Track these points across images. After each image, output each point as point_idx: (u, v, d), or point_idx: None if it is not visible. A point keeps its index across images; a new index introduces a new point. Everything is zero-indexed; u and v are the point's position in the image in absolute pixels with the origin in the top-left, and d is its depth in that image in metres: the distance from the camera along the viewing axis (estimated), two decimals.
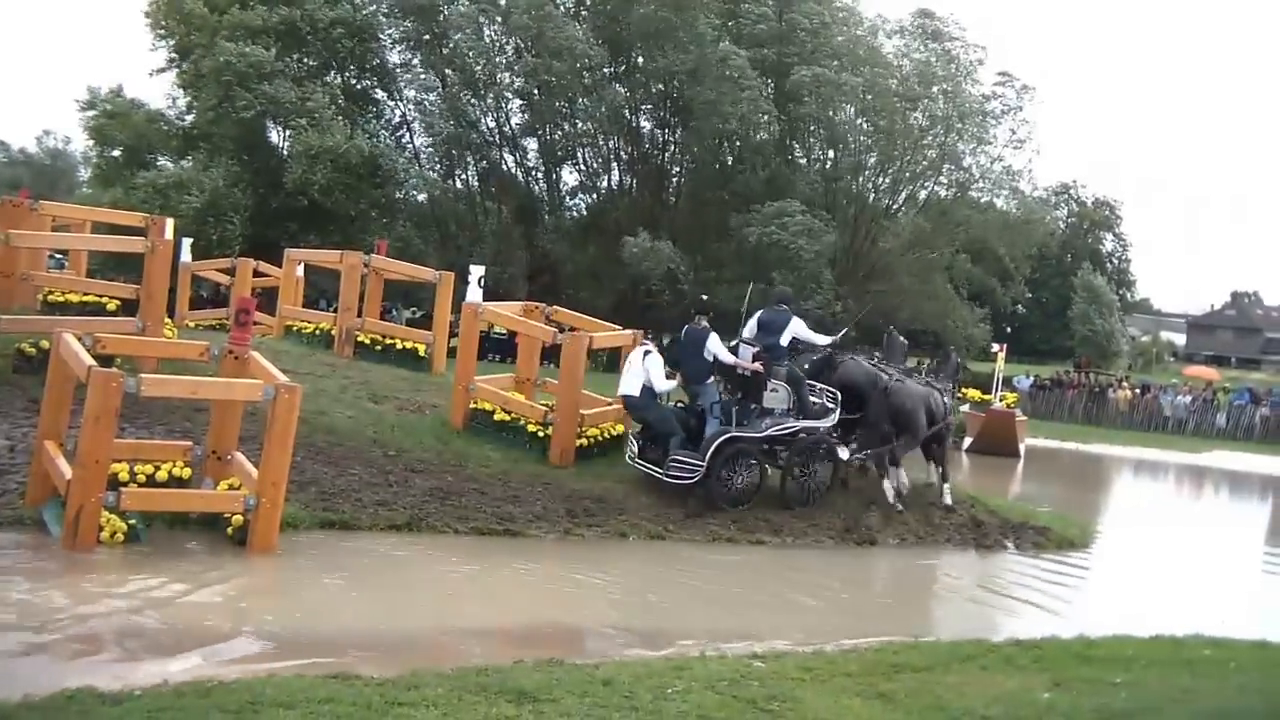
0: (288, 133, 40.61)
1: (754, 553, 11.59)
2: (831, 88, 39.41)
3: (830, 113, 41.33)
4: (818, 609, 9.88)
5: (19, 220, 12.98)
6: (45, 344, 10.60)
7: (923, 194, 44.24)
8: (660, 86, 42.86)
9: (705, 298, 18.11)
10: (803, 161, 44.29)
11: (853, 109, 41.72)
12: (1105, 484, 26.91)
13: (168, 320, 13.38)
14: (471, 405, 13.18)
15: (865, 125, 42.13)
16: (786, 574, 10.90)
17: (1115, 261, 69.46)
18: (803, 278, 37.61)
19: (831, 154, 43.86)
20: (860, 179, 43.29)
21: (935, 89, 41.25)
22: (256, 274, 20.20)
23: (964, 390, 30.38)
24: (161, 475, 9.13)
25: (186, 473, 9.33)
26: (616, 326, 15.22)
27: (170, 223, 13.26)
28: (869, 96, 40.31)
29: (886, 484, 13.86)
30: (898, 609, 10.54)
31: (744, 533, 11.94)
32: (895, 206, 44.12)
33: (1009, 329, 54.16)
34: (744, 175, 41.92)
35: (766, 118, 40.00)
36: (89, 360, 8.33)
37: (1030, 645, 8.38)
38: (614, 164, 45.63)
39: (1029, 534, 14.03)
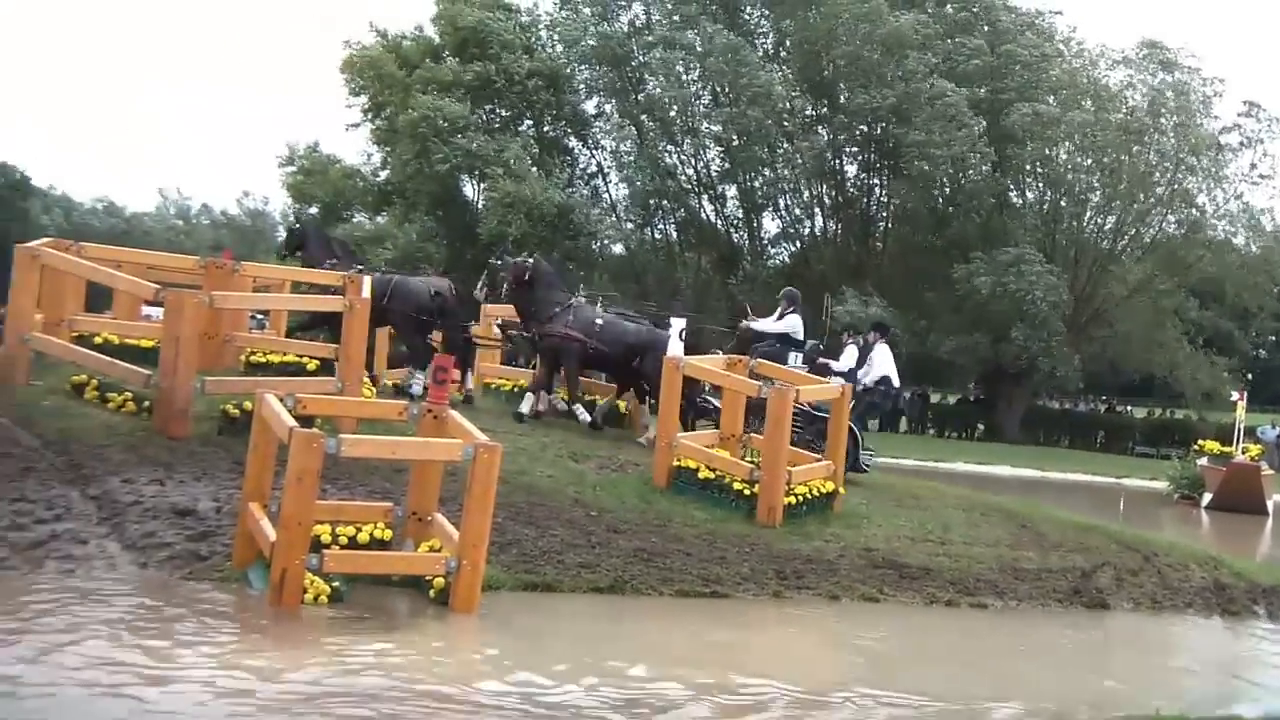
0: (482, 184, 41.66)
1: (977, 617, 11.30)
2: (1052, 124, 38.59)
3: (1049, 151, 40.45)
4: (1049, 678, 9.57)
5: (222, 282, 13.50)
6: (248, 405, 10.92)
7: (1149, 234, 42.89)
8: (864, 128, 42.61)
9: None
10: (1018, 203, 43.42)
11: (1073, 146, 40.76)
12: None
13: (366, 379, 13.77)
14: (675, 463, 13.20)
15: (1087, 163, 41.09)
16: (1013, 639, 10.61)
17: None
18: (1035, 328, 36.86)
19: (1050, 195, 42.91)
20: (1082, 220, 42.24)
21: (1165, 121, 39.98)
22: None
23: (1201, 442, 29.28)
24: (363, 537, 9.33)
25: (388, 534, 9.51)
26: (823, 379, 15.12)
27: (368, 281, 13.69)
28: (1093, 133, 39.33)
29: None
30: (1136, 678, 10.13)
31: (964, 595, 11.67)
32: (1119, 248, 42.87)
33: (1249, 375, 51.95)
34: (958, 220, 41.26)
35: (979, 158, 39.36)
36: (290, 421, 8.55)
37: None
38: (817, 210, 45.51)
39: None
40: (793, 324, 16.19)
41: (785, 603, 10.71)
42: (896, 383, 16.65)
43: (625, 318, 16.12)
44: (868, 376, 16.16)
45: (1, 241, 58.25)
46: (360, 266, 15.52)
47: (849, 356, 16.79)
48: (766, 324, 16.50)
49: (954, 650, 10.08)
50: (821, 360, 16.33)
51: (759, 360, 14.65)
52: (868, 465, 16.20)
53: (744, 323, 17.12)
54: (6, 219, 72.04)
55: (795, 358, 15.68)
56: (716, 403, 15.28)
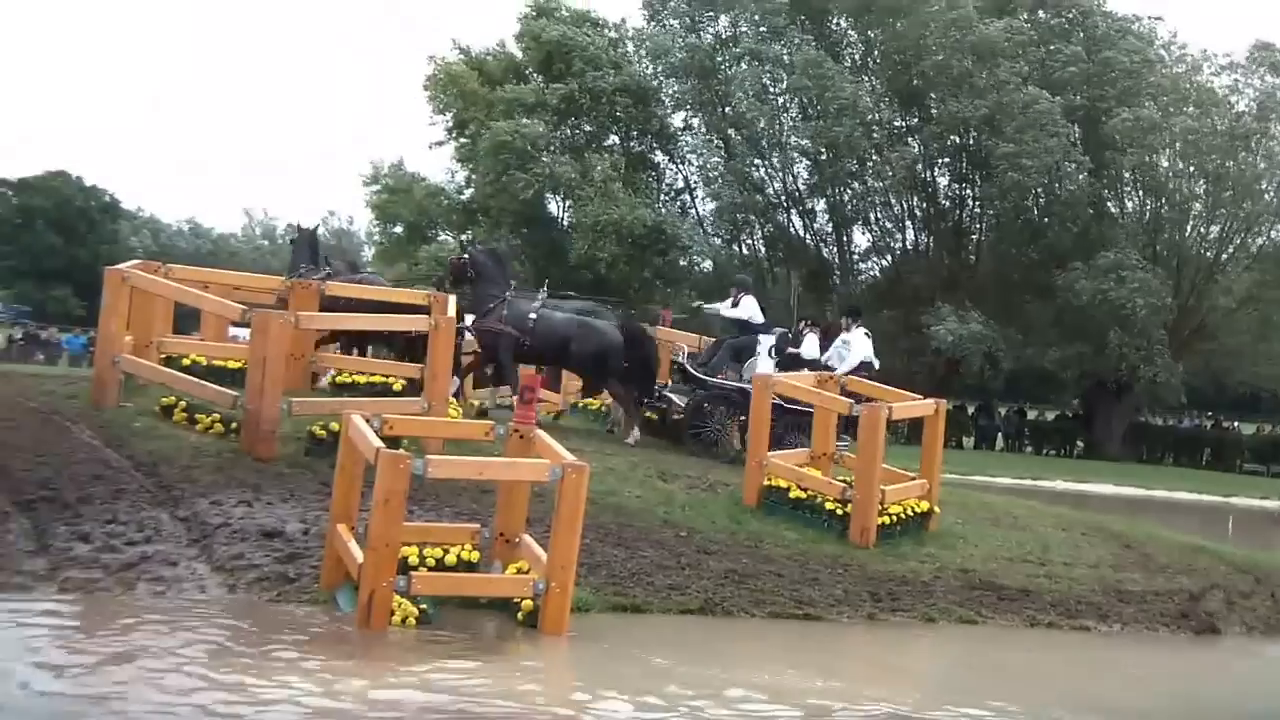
0: (568, 203, 41.87)
1: (1080, 640, 11.14)
2: (1153, 131, 38.02)
3: (1149, 158, 39.84)
4: (1160, 710, 9.40)
5: (309, 303, 13.68)
6: (335, 426, 11.07)
7: (1257, 243, 42.06)
8: (955, 138, 42.28)
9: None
10: (1116, 212, 42.81)
11: (1175, 153, 40.12)
12: None
13: (452, 400, 13.87)
14: (765, 482, 13.15)
15: (1190, 170, 40.42)
16: (1122, 665, 10.43)
17: None
18: (1134, 337, 36.32)
19: (1150, 203, 42.26)
20: (1184, 229, 41.55)
21: (1274, 126, 39.20)
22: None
23: None
24: (451, 559, 9.38)
25: (475, 556, 9.56)
26: (916, 396, 14.98)
27: (453, 300, 13.80)
28: (1196, 139, 38.69)
29: None
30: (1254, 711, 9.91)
31: (1066, 617, 11.50)
32: (1224, 258, 42.09)
33: None
34: (1053, 231, 40.78)
35: (1075, 166, 38.87)
36: (377, 442, 8.61)
37: None
38: (908, 223, 45.21)
39: None
40: (749, 308, 16.49)
41: (880, 625, 10.63)
42: (876, 367, 16.48)
43: (594, 314, 16.27)
44: (845, 363, 16.07)
45: (91, 264, 59.73)
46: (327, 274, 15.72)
47: (810, 345, 16.77)
48: (722, 307, 17.08)
49: (1063, 674, 9.95)
50: (791, 351, 16.52)
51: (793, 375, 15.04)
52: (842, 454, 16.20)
53: (703, 306, 18.39)
54: (96, 242, 73.71)
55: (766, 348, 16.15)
56: (676, 399, 16.23)
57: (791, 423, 14.70)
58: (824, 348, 16.60)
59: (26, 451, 10.74)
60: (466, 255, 16.25)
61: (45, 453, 10.77)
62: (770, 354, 15.90)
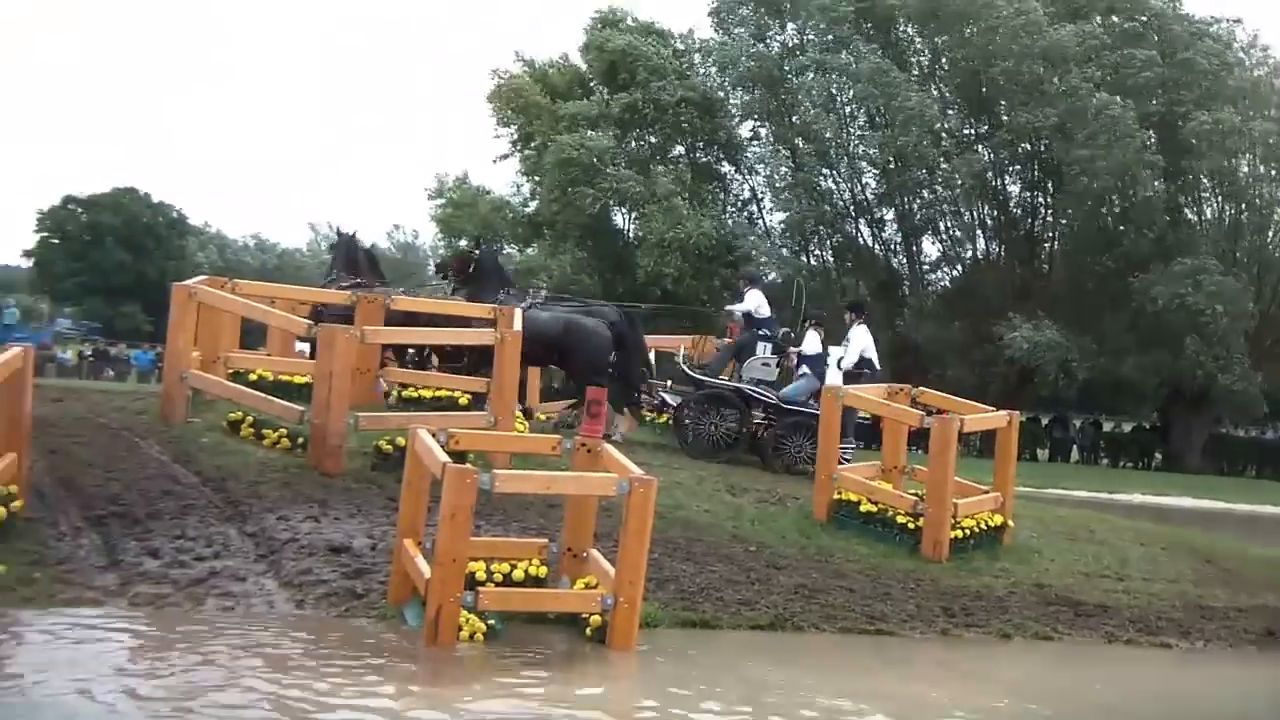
0: (634, 215, 41.95)
1: (1161, 658, 10.98)
2: (1233, 135, 37.50)
3: (1228, 163, 39.29)
4: None
5: (375, 316, 13.79)
6: (401, 441, 11.13)
7: None
8: (1027, 146, 41.92)
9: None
10: (1194, 218, 42.24)
11: (1256, 158, 39.56)
12: None
13: (519, 413, 13.92)
14: (835, 496, 13.10)
15: (1272, 174, 39.86)
16: (1216, 682, 10.26)
17: None
18: (1213, 345, 35.82)
19: (1230, 209, 41.68)
20: (1265, 235, 40.95)
21: None
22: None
23: None
24: (518, 574, 9.38)
25: (543, 571, 9.56)
26: (989, 408, 14.86)
27: (518, 313, 13.86)
28: (1277, 142, 38.16)
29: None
30: None
31: (1146, 634, 11.34)
32: None
33: None
34: (1129, 238, 40.31)
35: (1150, 172, 38.41)
36: (443, 457, 8.63)
37: None
38: (979, 232, 44.86)
39: None
40: (755, 300, 17.17)
41: (954, 641, 10.53)
42: (877, 365, 16.59)
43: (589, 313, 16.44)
44: (845, 360, 16.22)
45: (159, 280, 60.52)
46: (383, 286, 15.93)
47: (812, 341, 16.78)
48: (735, 306, 17.92)
49: (1154, 691, 9.82)
50: (793, 350, 16.83)
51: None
52: (847, 459, 16.09)
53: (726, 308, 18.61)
54: (164, 258, 74.79)
55: (765, 348, 16.67)
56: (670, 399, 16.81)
57: (797, 424, 15.26)
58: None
59: (97, 467, 10.90)
60: (476, 253, 16.46)
61: (115, 468, 10.92)
62: (839, 365, 15.91)
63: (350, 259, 16.64)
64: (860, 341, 16.28)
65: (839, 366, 16.01)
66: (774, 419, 16.04)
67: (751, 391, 16.15)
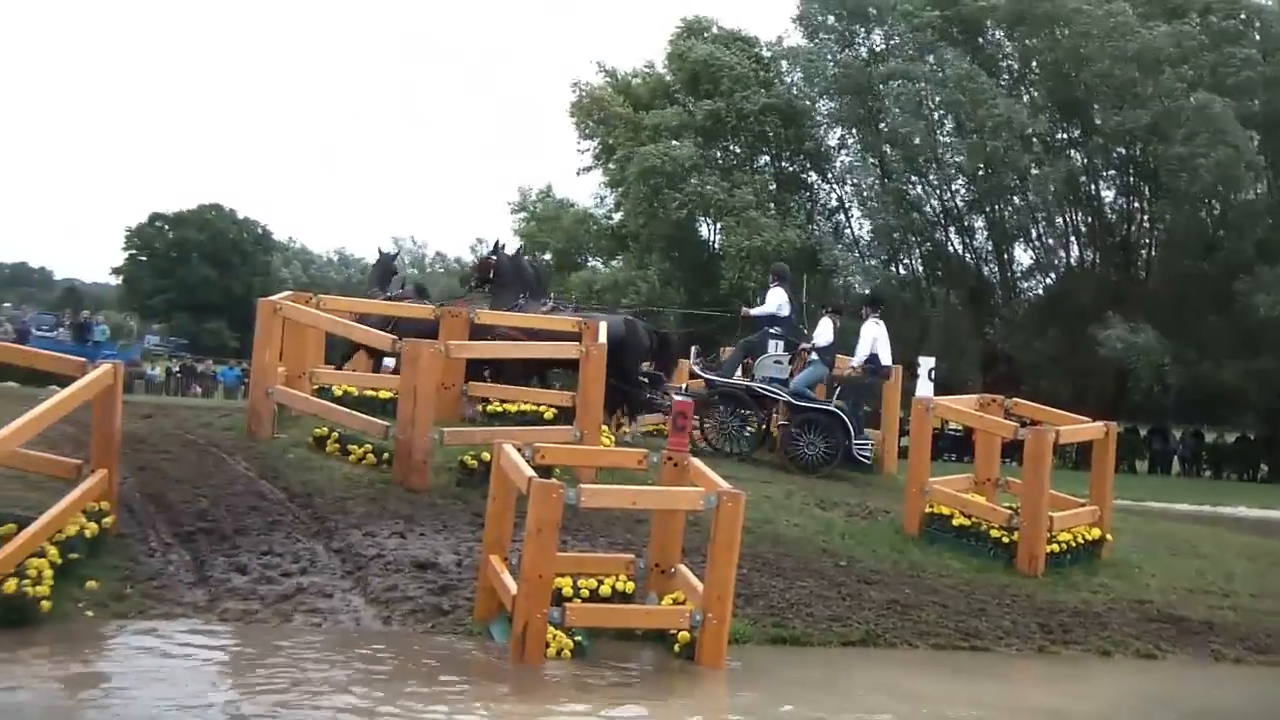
0: (718, 225, 41.90)
1: (1272, 676, 10.72)
2: None
3: None
4: None
5: (459, 331, 13.86)
6: (486, 456, 11.16)
7: None
8: (1121, 150, 41.34)
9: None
10: None
11: None
12: None
13: (605, 427, 13.93)
14: (927, 509, 12.96)
15: None
16: None
17: None
18: None
19: None
20: None
21: None
22: (692, 375, 20.85)
23: None
24: (605, 590, 9.36)
25: (630, 586, 9.54)
26: (1084, 419, 14.64)
27: (604, 327, 13.87)
28: None
29: None
30: None
31: (1254, 652, 11.07)
32: None
33: None
34: (1230, 242, 39.57)
35: (1254, 175, 37.70)
36: (529, 471, 8.62)
37: None
38: (1072, 239, 44.30)
39: None
40: (778, 299, 16.82)
41: (1052, 658, 10.36)
42: (887, 361, 16.43)
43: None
44: (856, 354, 16.39)
45: (244, 296, 61.56)
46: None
47: (824, 330, 16.60)
48: (754, 310, 17.65)
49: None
50: (803, 346, 16.68)
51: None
52: (865, 457, 16.25)
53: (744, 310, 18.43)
54: (249, 273, 75.99)
55: (776, 345, 16.54)
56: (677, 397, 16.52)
57: (807, 420, 15.63)
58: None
59: (185, 483, 11.08)
60: (494, 256, 16.62)
61: (203, 484, 11.09)
62: (929, 376, 15.82)
63: (384, 277, 17.37)
64: (869, 337, 16.31)
65: (929, 377, 15.88)
66: (748, 411, 16.33)
67: (764, 390, 16.19)
